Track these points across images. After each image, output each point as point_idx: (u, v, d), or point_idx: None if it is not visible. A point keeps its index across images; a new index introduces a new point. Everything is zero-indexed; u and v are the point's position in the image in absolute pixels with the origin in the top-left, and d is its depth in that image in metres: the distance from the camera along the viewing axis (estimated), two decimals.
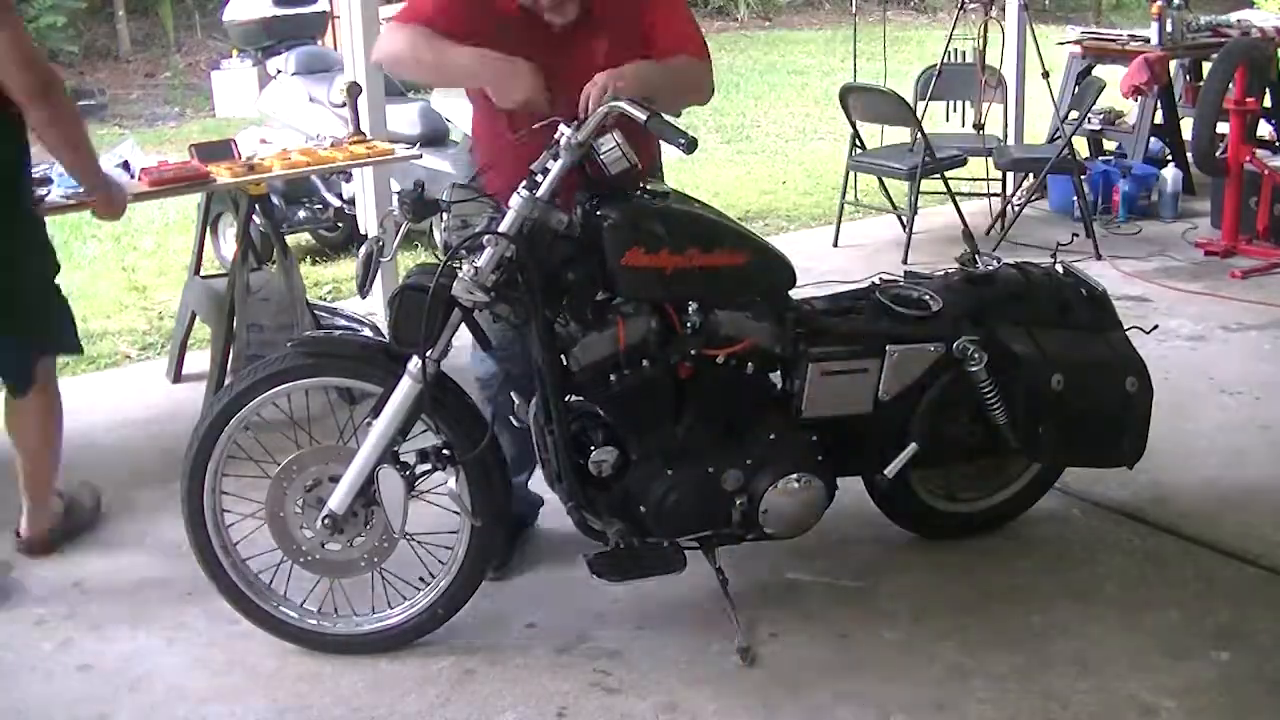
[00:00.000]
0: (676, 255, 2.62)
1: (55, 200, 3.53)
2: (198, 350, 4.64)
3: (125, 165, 3.91)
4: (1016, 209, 6.38)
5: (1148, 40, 6.85)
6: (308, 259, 6.25)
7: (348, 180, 6.00)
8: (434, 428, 2.73)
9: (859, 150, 6.26)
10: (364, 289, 2.74)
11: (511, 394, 2.89)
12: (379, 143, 4.52)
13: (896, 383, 2.91)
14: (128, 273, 6.15)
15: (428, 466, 2.74)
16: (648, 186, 2.75)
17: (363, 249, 2.76)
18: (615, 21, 2.79)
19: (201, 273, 4.60)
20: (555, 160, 2.59)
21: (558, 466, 2.74)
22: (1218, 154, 6.10)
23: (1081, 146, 7.09)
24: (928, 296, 2.99)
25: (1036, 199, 6.66)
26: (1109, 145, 7.32)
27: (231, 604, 2.86)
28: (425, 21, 2.76)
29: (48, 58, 3.39)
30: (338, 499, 2.68)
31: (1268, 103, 6.80)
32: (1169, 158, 6.91)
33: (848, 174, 6.33)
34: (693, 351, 2.68)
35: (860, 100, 6.08)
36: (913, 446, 2.95)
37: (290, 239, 5.27)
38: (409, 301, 2.62)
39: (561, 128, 2.58)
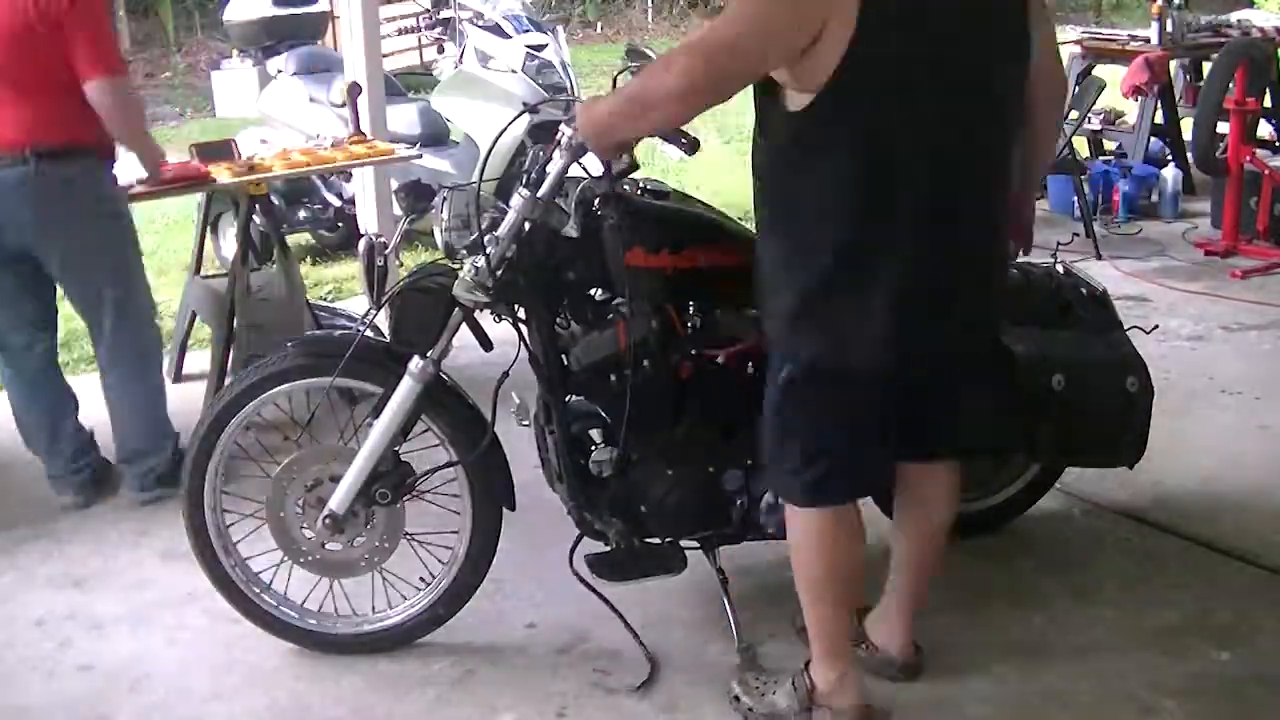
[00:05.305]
0: (676, 255, 2.62)
1: None
2: (198, 350, 4.64)
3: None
4: None
5: (1148, 40, 6.86)
6: (308, 259, 6.24)
7: (348, 180, 6.00)
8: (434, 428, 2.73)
9: None
10: (376, 298, 2.72)
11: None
12: (379, 143, 4.53)
13: None
14: None
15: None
16: (648, 187, 2.74)
17: (361, 247, 2.76)
18: None
19: (202, 273, 4.60)
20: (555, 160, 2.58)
21: (558, 466, 2.74)
22: (1218, 154, 6.11)
23: (1081, 146, 7.08)
24: None
25: (1037, 199, 6.64)
26: (1109, 145, 7.31)
27: (232, 604, 2.86)
28: None
29: None
30: (338, 499, 2.68)
31: (1268, 103, 6.80)
32: (1169, 158, 6.90)
33: None
34: (693, 351, 2.67)
35: None
36: None
37: (290, 239, 5.26)
38: (409, 302, 2.62)
39: (562, 127, 2.57)
